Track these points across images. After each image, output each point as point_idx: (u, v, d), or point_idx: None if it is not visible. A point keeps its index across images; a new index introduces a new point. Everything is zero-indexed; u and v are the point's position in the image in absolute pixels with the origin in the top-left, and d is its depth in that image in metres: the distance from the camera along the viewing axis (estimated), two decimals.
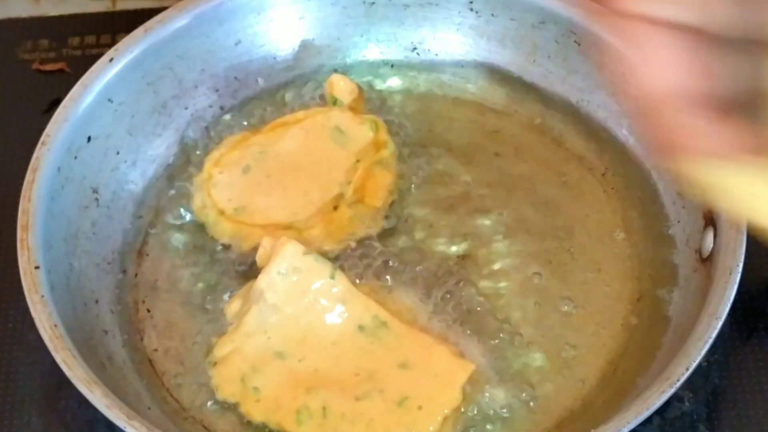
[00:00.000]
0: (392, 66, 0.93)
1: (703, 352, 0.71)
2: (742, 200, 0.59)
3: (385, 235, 0.84)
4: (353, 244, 0.83)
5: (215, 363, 0.78)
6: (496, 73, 0.92)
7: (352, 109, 0.88)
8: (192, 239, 0.85)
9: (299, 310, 0.78)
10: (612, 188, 0.87)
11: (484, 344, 0.78)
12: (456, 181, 0.87)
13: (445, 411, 0.74)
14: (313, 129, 0.87)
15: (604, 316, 0.81)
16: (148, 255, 0.85)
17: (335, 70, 0.91)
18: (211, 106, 0.91)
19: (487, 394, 0.76)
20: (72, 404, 0.79)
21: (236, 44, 0.91)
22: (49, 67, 0.98)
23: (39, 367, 0.81)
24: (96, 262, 0.82)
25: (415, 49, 0.93)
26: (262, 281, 0.78)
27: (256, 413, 0.76)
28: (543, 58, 0.90)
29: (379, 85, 0.93)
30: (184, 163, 0.88)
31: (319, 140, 0.86)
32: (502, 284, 0.82)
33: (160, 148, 0.89)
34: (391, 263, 0.82)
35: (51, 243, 0.78)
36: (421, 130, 0.90)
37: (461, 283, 0.81)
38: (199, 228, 0.85)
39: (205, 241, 0.84)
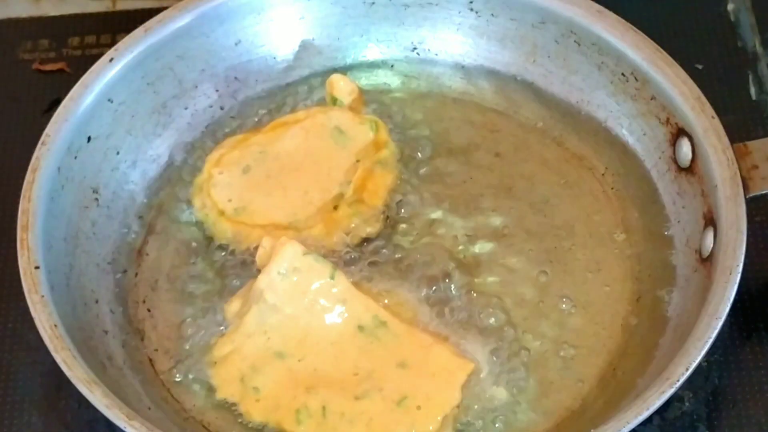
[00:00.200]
0: (392, 66, 0.93)
1: (703, 352, 0.71)
2: None
3: (385, 235, 0.84)
4: (353, 244, 0.83)
5: (215, 363, 0.78)
6: (496, 73, 0.91)
7: (352, 109, 0.88)
8: (192, 239, 0.85)
9: (299, 310, 0.78)
10: (612, 188, 0.87)
11: (484, 344, 0.78)
12: (456, 181, 0.87)
13: (445, 410, 0.74)
14: (313, 129, 0.87)
15: (603, 316, 0.81)
16: (148, 255, 0.85)
17: (335, 70, 0.91)
18: (211, 106, 0.91)
19: (486, 394, 0.76)
20: (72, 404, 0.79)
21: (236, 44, 0.91)
22: (49, 67, 0.98)
23: (39, 367, 0.81)
24: (96, 262, 0.82)
25: (415, 49, 0.93)
26: (261, 281, 0.78)
27: (256, 413, 0.76)
28: (543, 58, 0.90)
29: (379, 85, 0.93)
30: (184, 163, 0.88)
31: (319, 140, 0.86)
32: (502, 284, 0.82)
33: (160, 148, 0.89)
34: (390, 263, 0.82)
35: (51, 243, 0.78)
36: (421, 130, 0.90)
37: (461, 283, 0.81)
38: (199, 228, 0.85)
39: (205, 241, 0.85)
